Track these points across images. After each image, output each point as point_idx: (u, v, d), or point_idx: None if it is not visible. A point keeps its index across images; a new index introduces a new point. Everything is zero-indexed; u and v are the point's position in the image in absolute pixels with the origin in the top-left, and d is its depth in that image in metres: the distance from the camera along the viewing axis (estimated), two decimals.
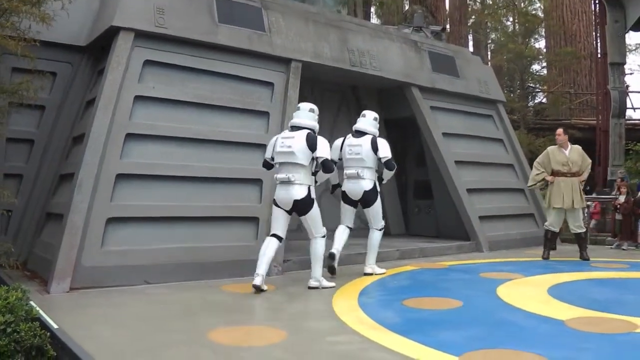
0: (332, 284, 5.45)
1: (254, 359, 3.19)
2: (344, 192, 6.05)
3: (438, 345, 3.31)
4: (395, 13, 17.74)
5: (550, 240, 7.79)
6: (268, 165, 5.56)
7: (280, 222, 5.36)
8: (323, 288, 5.34)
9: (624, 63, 13.55)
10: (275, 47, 7.25)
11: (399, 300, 4.73)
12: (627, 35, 13.53)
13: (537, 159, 7.94)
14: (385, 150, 5.96)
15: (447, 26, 19.86)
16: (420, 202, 10.28)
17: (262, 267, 5.12)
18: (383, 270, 6.21)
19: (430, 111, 9.13)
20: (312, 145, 5.27)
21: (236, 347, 3.33)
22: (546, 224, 7.88)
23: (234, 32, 6.89)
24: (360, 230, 6.74)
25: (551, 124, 16.67)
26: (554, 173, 7.60)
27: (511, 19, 20.54)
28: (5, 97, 5.62)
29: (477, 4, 22.77)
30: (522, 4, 19.18)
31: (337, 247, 5.91)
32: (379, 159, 5.96)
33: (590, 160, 7.85)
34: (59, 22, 5.72)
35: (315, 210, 5.38)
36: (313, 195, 5.37)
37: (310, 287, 5.36)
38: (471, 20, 22.40)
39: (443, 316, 4.23)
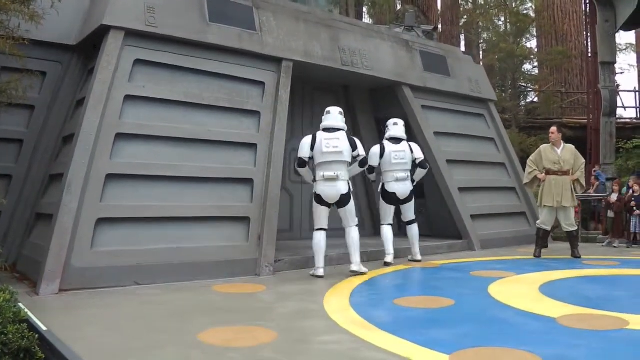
0: (366, 270, 6.02)
1: None
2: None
3: (429, 344, 3.30)
4: (387, 12, 17.73)
5: (542, 239, 7.81)
6: (304, 163, 6.05)
7: (324, 216, 5.99)
8: (361, 273, 5.92)
9: (615, 62, 13.61)
10: (266, 46, 7.23)
11: (390, 299, 4.73)
12: (617, 34, 13.59)
13: (530, 157, 7.98)
14: (419, 151, 7.07)
15: (439, 26, 19.92)
16: None
17: (322, 261, 5.87)
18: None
19: (421, 110, 9.14)
20: (353, 144, 6.03)
21: (226, 348, 3.31)
22: (538, 222, 7.91)
23: (225, 31, 6.86)
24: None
25: (543, 123, 16.77)
26: (546, 171, 7.62)
27: (503, 19, 20.60)
28: None
29: (469, 4, 22.83)
30: (514, 4, 19.23)
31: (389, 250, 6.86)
32: (414, 160, 6.92)
33: (583, 160, 7.87)
34: (49, 20, 5.69)
35: (353, 202, 6.07)
36: (352, 189, 6.09)
37: (352, 271, 5.94)
38: (463, 20, 22.46)
39: (434, 315, 4.23)
